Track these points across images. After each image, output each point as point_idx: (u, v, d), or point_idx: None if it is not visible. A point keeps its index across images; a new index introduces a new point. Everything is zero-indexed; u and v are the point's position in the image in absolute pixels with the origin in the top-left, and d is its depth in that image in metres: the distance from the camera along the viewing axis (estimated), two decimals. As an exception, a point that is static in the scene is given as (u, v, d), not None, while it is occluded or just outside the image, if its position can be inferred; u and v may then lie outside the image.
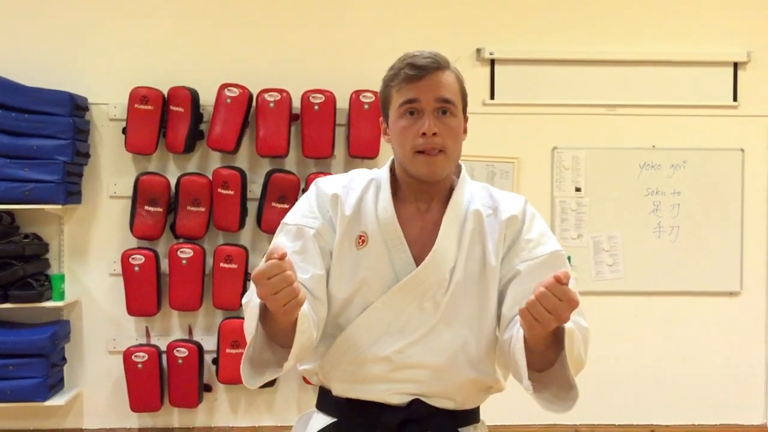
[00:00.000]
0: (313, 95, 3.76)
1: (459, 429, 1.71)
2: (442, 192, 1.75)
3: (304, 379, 3.73)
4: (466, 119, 1.76)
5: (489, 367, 1.72)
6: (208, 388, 3.86)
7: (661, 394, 4.02)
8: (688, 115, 4.03)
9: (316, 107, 3.75)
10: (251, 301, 1.60)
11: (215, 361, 3.78)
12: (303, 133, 3.77)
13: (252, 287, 1.61)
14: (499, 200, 1.76)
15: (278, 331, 1.56)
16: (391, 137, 1.74)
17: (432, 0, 3.96)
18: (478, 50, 3.94)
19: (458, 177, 1.79)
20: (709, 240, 4.01)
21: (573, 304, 1.45)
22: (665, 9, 4.05)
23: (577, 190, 4.00)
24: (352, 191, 1.75)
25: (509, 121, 3.97)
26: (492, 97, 3.97)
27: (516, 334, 1.60)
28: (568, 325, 1.53)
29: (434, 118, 1.67)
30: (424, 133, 1.66)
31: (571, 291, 1.45)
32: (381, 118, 1.78)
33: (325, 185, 1.77)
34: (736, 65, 4.03)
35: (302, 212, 1.74)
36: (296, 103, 3.79)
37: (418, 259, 1.69)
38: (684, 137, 4.03)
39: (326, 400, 1.75)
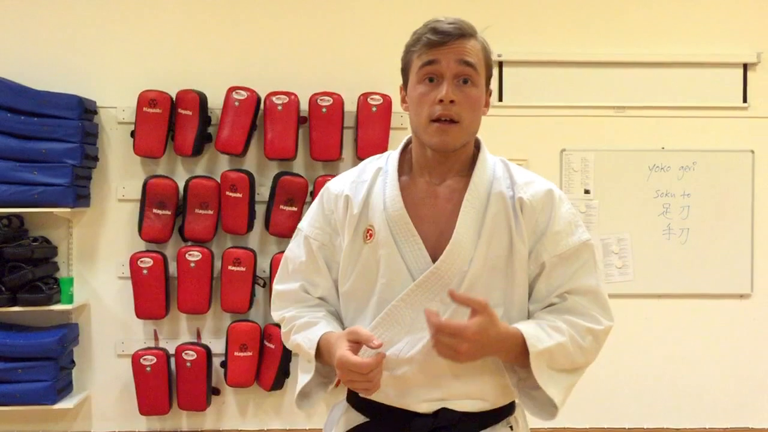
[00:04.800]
0: (321, 98, 3.76)
1: (491, 427, 1.67)
2: (458, 165, 1.68)
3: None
4: (489, 93, 1.70)
5: None
6: (216, 392, 3.86)
7: (671, 396, 4.00)
8: (697, 116, 4.01)
9: (324, 110, 3.75)
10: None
11: (223, 364, 3.77)
12: (311, 135, 3.77)
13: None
14: (519, 183, 1.68)
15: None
16: (408, 105, 1.68)
17: (439, 3, 3.94)
18: (486, 52, 3.93)
19: (478, 151, 1.71)
20: (719, 242, 3.99)
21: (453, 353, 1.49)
22: (674, 10, 4.03)
23: (586, 192, 3.98)
24: (360, 185, 1.71)
25: (518, 123, 3.95)
26: (500, 99, 3.96)
27: None
28: (536, 348, 1.55)
29: (454, 86, 1.60)
30: (441, 100, 1.59)
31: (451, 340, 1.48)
32: (401, 86, 1.71)
33: (335, 188, 1.74)
34: (745, 66, 4.01)
35: (311, 221, 1.76)
36: (304, 106, 3.78)
37: (433, 250, 1.63)
38: (693, 139, 4.00)
39: (355, 397, 1.73)
